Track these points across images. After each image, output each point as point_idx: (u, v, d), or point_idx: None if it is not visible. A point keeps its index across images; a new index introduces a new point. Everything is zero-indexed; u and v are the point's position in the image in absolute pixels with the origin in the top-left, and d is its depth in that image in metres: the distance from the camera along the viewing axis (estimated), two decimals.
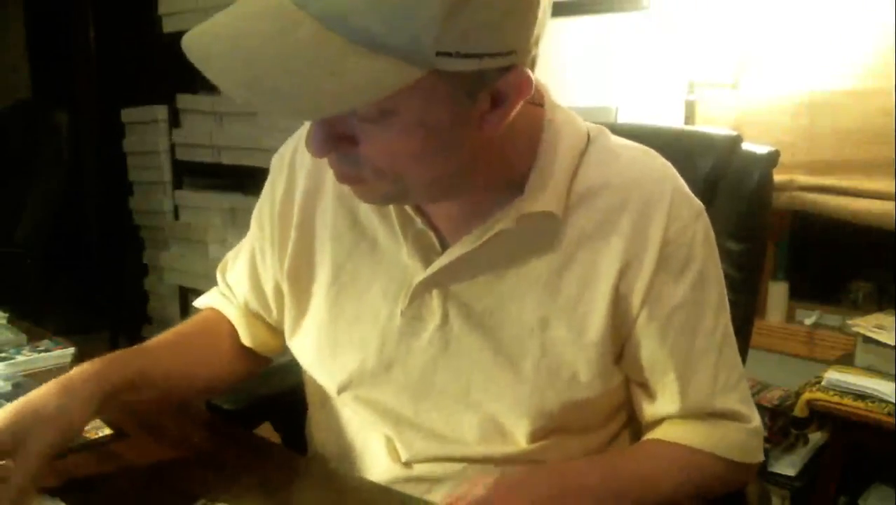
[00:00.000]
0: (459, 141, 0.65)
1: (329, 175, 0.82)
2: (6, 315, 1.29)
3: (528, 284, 0.75)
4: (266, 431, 1.06)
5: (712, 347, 0.77)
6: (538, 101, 0.76)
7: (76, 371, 0.78)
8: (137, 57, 3.02)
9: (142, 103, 2.99)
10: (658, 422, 0.81)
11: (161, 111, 2.93)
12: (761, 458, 0.83)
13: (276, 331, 0.94)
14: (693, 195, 0.78)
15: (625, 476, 0.77)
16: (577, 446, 0.81)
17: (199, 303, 1.00)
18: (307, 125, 0.88)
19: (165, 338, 0.91)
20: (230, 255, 0.99)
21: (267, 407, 1.13)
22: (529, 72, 0.63)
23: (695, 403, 0.78)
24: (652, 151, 0.79)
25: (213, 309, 0.98)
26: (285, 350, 0.92)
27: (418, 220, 0.77)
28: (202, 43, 0.58)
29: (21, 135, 2.63)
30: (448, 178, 0.69)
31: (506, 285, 0.76)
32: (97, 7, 3.20)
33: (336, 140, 0.64)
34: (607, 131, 0.80)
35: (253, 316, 0.95)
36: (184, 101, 2.83)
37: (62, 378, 0.77)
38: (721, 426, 0.79)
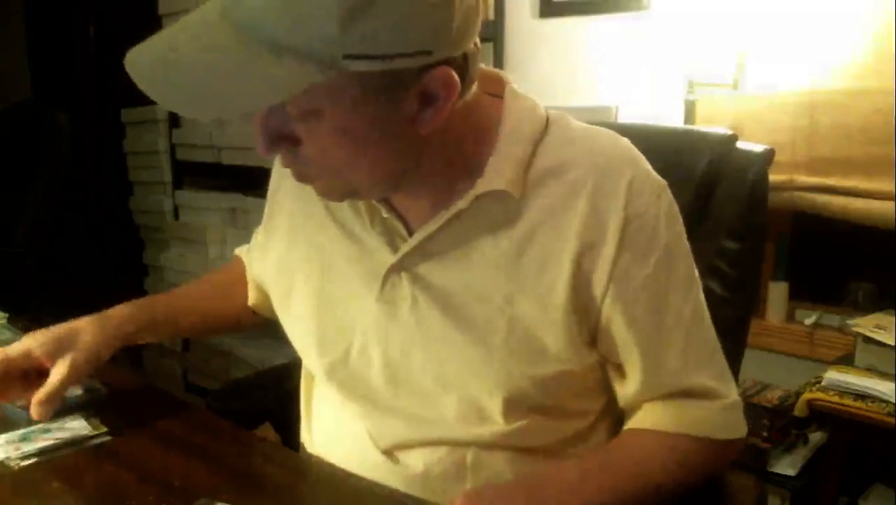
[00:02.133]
0: (392, 142, 0.69)
1: None
2: (6, 315, 1.29)
3: (490, 263, 0.77)
4: (266, 431, 1.07)
5: (681, 324, 0.77)
6: (498, 92, 0.79)
7: (113, 310, 0.97)
8: None
9: (142, 103, 2.97)
10: (632, 406, 0.82)
11: (161, 111, 2.93)
12: (743, 431, 0.82)
13: None
14: (654, 172, 0.79)
15: (607, 471, 0.78)
16: (556, 430, 0.82)
17: (238, 250, 1.10)
18: None
19: (196, 282, 1.09)
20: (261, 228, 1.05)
21: (267, 407, 1.13)
22: (452, 71, 0.65)
23: (665, 382, 0.78)
24: (613, 133, 0.80)
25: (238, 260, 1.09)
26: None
27: (383, 209, 0.80)
28: (136, 57, 0.64)
29: (21, 135, 2.63)
30: (394, 176, 0.73)
31: (470, 266, 0.78)
32: (97, 7, 3.20)
33: (279, 140, 0.69)
34: (569, 116, 0.81)
35: (260, 285, 1.02)
36: None
37: (100, 314, 0.95)
38: (694, 406, 0.79)
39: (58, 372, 0.88)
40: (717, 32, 1.88)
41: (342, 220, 0.85)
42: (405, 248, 0.79)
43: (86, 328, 0.92)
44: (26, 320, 1.29)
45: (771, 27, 1.85)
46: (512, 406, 0.78)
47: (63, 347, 0.89)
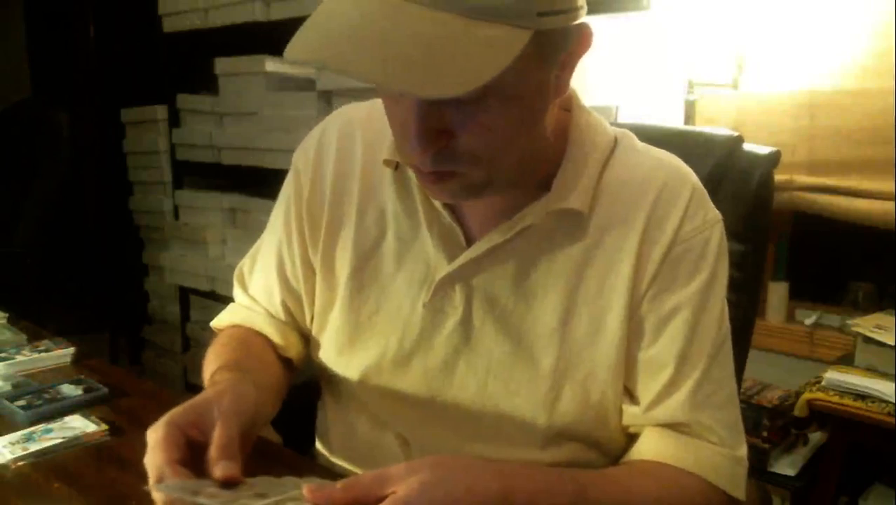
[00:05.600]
0: (544, 109, 0.68)
1: (356, 169, 0.83)
2: (6, 315, 1.29)
3: (551, 279, 0.76)
4: (266, 431, 1.06)
5: (702, 358, 0.75)
6: (566, 106, 0.78)
7: (214, 388, 0.71)
8: (137, 57, 3.02)
9: (142, 103, 2.99)
10: (637, 427, 0.78)
11: (161, 111, 2.92)
12: (743, 495, 0.76)
13: (305, 338, 0.92)
14: (712, 204, 0.78)
15: (599, 494, 0.69)
16: (590, 463, 0.79)
17: (218, 322, 0.94)
18: (327, 122, 0.88)
19: (239, 354, 0.83)
20: (244, 267, 0.95)
21: None
22: (589, 26, 0.66)
23: (672, 411, 0.75)
24: (675, 157, 0.80)
25: (237, 326, 0.92)
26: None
27: (445, 215, 0.78)
28: (318, 47, 0.58)
29: (21, 135, 2.63)
30: (529, 159, 0.71)
31: (529, 282, 0.76)
32: (97, 7, 3.20)
33: (435, 136, 0.64)
34: (633, 135, 0.81)
35: (283, 324, 0.91)
36: (184, 101, 2.82)
37: (212, 390, 0.71)
38: (704, 446, 0.75)
39: (218, 426, 0.65)
40: (717, 32, 1.88)
41: (388, 218, 0.82)
42: (464, 257, 0.77)
43: (219, 395, 0.69)
44: (26, 320, 1.29)
45: (771, 28, 1.85)
46: (551, 430, 0.76)
47: (211, 414, 0.66)
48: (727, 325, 0.78)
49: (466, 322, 0.78)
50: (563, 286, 0.76)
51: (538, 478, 0.66)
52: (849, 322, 1.80)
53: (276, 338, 0.90)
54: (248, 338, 0.89)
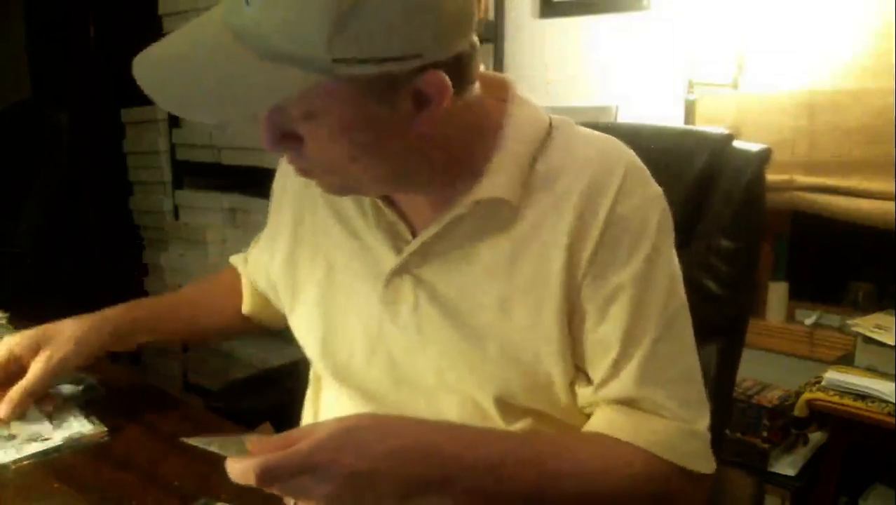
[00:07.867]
0: (390, 143, 0.70)
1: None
2: (6, 315, 1.29)
3: (488, 268, 0.77)
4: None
5: (649, 333, 0.74)
6: (501, 96, 0.79)
7: (99, 312, 0.98)
8: None
9: (142, 103, 2.97)
10: (590, 405, 0.78)
11: (161, 111, 2.92)
12: (707, 468, 0.75)
13: (278, 312, 1.00)
14: (653, 179, 0.77)
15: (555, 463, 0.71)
16: (557, 429, 0.81)
17: (233, 259, 1.10)
18: None
19: (187, 289, 1.11)
20: (262, 233, 1.04)
21: (267, 407, 1.13)
22: (443, 74, 0.66)
23: (620, 388, 0.75)
24: (616, 140, 0.79)
25: (234, 269, 1.09)
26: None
27: (388, 212, 0.81)
28: (142, 59, 0.67)
29: (21, 135, 2.63)
30: (393, 175, 0.74)
31: (468, 271, 0.78)
32: (97, 7, 3.20)
33: (283, 137, 0.69)
34: (572, 122, 0.81)
35: (258, 293, 1.04)
36: None
37: (85, 315, 0.97)
38: (652, 420, 0.74)
39: (32, 370, 0.90)
40: (717, 32, 1.88)
41: (346, 219, 0.85)
42: (407, 250, 0.79)
43: (65, 328, 0.94)
44: (26, 320, 1.29)
45: (771, 27, 1.85)
46: (504, 406, 0.78)
47: (41, 345, 0.92)
48: (680, 300, 0.77)
49: (417, 313, 0.80)
50: (500, 273, 0.76)
51: (466, 435, 0.71)
52: (849, 322, 1.80)
53: (245, 296, 1.06)
54: (223, 281, 1.09)
